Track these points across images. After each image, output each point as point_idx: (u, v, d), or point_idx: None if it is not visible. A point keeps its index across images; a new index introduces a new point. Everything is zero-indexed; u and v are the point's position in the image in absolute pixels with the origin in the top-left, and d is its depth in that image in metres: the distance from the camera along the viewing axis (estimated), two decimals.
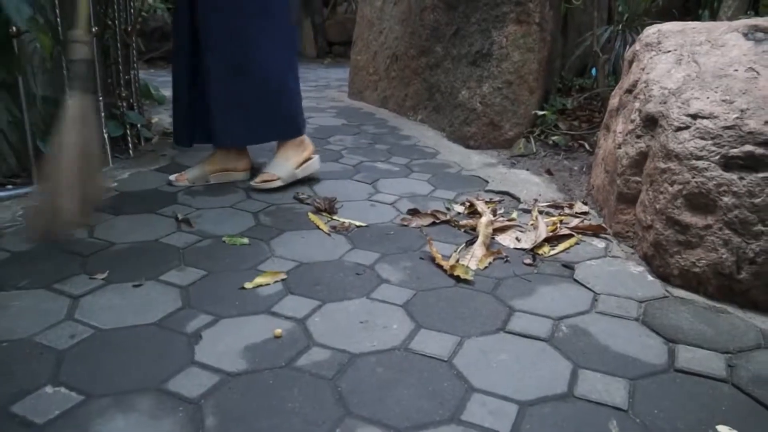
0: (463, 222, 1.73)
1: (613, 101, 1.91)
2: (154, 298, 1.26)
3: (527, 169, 2.30)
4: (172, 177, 2.02)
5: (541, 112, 2.55)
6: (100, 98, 2.10)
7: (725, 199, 1.29)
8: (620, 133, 1.69)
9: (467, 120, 2.70)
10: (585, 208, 1.84)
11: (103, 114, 2.10)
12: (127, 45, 2.37)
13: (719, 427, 0.90)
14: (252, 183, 2.01)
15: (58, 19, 1.88)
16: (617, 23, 2.66)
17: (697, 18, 3.16)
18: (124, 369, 1.00)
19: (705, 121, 1.36)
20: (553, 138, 2.54)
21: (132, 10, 2.39)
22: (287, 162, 2.03)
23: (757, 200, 1.25)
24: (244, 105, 1.92)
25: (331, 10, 7.57)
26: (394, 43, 3.43)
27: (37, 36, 1.79)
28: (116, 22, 2.29)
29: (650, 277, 1.41)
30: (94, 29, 2.04)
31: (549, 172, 2.24)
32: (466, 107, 2.71)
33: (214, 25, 1.87)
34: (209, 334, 1.13)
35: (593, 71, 2.87)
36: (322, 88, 4.68)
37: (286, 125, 2.02)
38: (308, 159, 2.07)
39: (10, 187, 1.83)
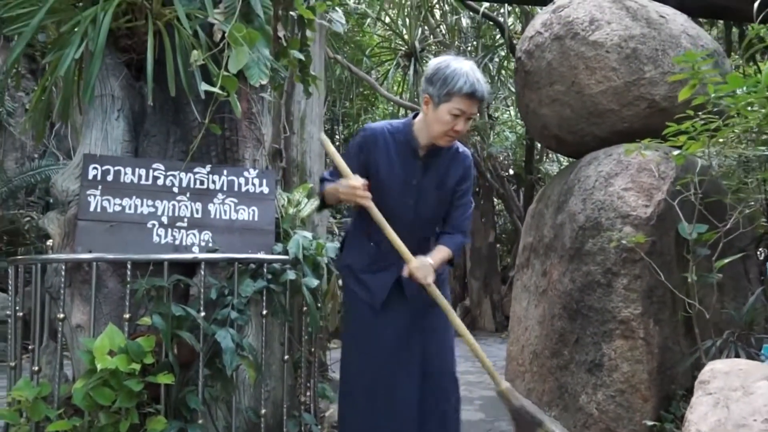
0: None
1: None
2: None
3: None
4: None
5: (650, 423, 2.74)
6: (286, 404, 2.88)
7: None
8: None
9: (586, 423, 2.96)
10: None
11: (284, 417, 2.85)
12: (310, 362, 3.24)
13: None
14: None
15: (262, 356, 2.79)
16: (729, 334, 2.85)
17: None
18: None
19: None
20: None
21: (314, 335, 3.30)
22: None
23: None
24: None
25: (508, 288, 8.37)
26: (535, 341, 3.90)
27: (247, 370, 2.71)
28: (303, 345, 3.20)
29: None
30: (285, 357, 2.93)
31: None
32: (585, 411, 2.99)
33: None
34: None
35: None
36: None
37: None
38: None
39: None
